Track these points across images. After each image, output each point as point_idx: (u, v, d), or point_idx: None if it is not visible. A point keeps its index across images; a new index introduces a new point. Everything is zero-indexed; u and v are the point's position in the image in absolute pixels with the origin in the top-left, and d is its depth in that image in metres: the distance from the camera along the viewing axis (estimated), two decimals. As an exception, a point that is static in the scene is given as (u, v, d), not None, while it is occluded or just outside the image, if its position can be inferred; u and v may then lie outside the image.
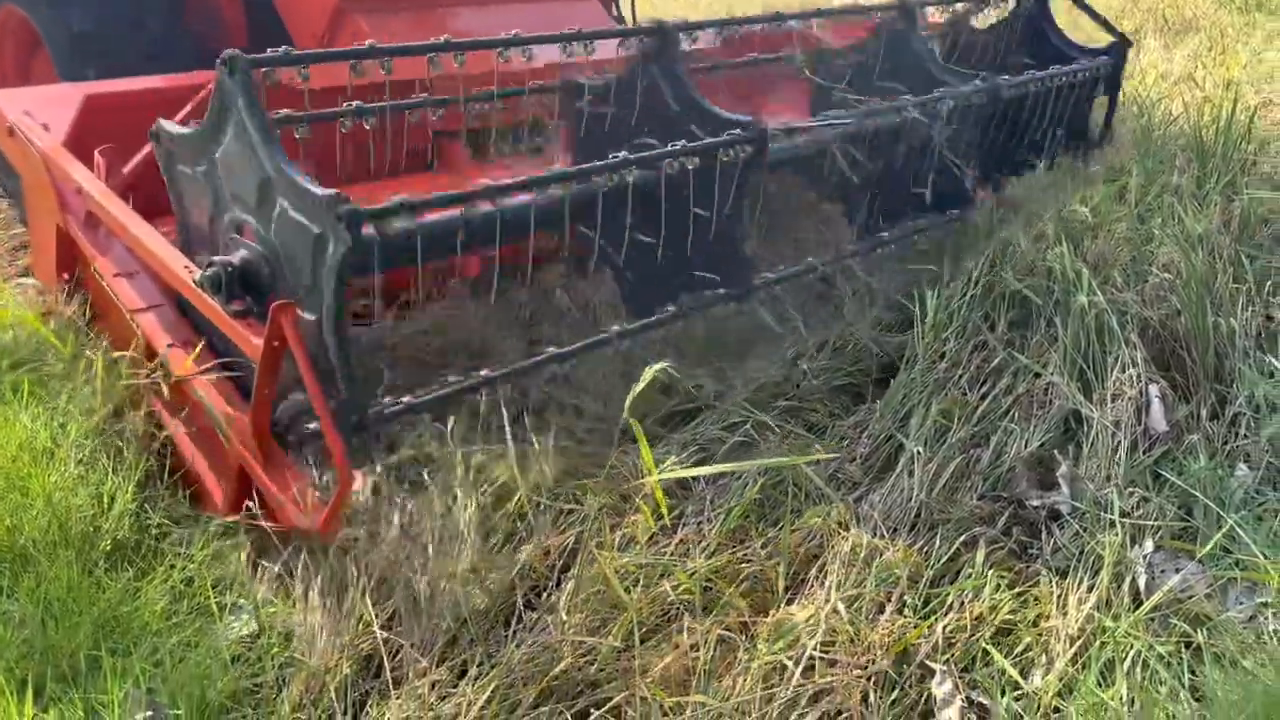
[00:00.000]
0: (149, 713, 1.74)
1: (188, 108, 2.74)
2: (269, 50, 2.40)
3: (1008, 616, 2.11)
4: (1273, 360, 2.80)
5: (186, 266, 2.36)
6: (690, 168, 2.69)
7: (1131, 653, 1.94)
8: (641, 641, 2.04)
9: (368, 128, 2.72)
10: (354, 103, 2.69)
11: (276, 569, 2.22)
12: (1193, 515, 2.38)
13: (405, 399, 2.30)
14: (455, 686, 2.04)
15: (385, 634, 2.08)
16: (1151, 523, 2.33)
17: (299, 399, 2.25)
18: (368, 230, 2.13)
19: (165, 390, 2.47)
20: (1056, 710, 1.88)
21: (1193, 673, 1.89)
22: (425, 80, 2.80)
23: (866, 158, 3.16)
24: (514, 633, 2.13)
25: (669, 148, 2.67)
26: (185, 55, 3.85)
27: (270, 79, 2.38)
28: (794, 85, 3.83)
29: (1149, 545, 2.24)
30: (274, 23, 3.92)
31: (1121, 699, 1.83)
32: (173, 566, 2.19)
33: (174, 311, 2.60)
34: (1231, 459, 2.56)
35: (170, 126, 2.49)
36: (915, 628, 2.06)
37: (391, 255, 2.25)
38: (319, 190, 2.10)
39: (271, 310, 2.07)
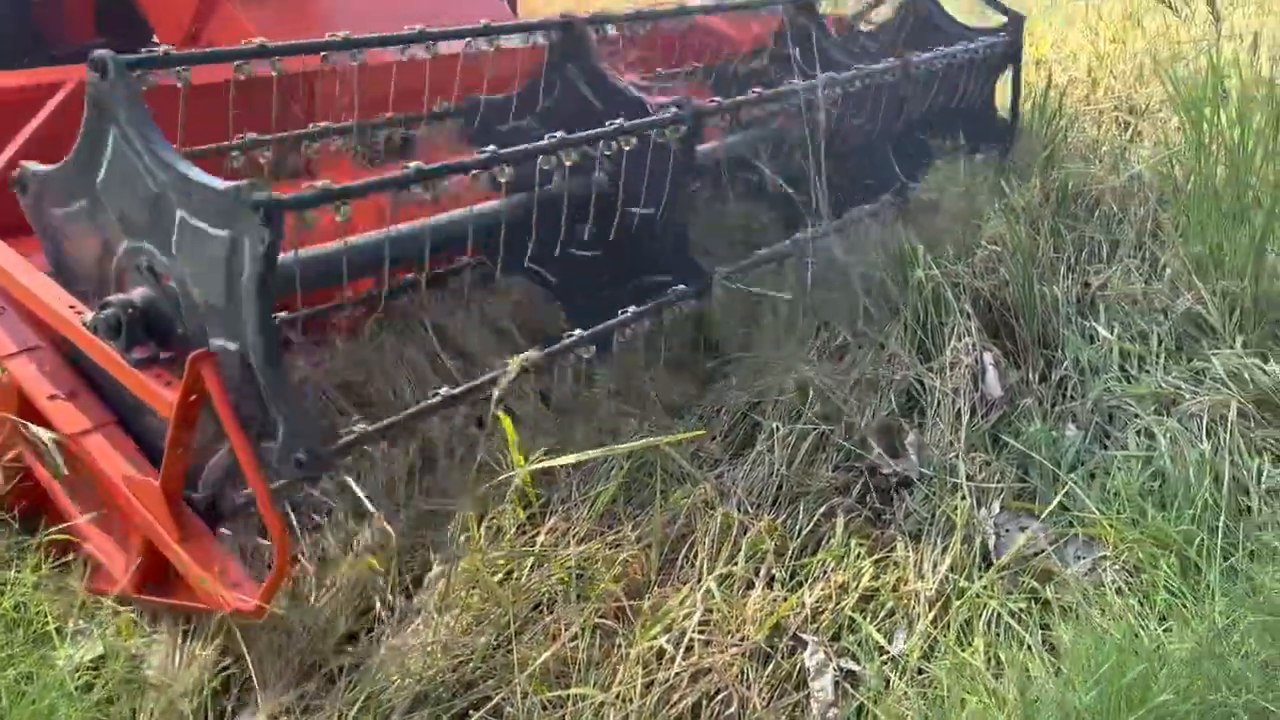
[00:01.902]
0: (-11, 758, 1.59)
1: (43, 113, 2.44)
2: (143, 50, 2.14)
3: (870, 583, 2.19)
4: (1093, 325, 2.99)
5: (73, 306, 2.06)
6: (626, 148, 2.54)
7: (987, 611, 2.04)
8: (516, 635, 2.01)
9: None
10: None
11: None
12: (1030, 476, 2.52)
13: (358, 425, 2.10)
14: (321, 699, 1.96)
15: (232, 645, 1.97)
16: (994, 485, 2.45)
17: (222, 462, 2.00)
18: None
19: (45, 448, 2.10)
20: (921, 671, 1.96)
21: (1045, 627, 2.00)
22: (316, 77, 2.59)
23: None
24: (377, 638, 2.07)
25: (605, 127, 2.50)
26: (30, 51, 3.50)
27: (146, 82, 2.08)
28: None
29: (995, 507, 2.36)
30: (124, 11, 3.47)
31: (981, 656, 1.93)
32: (1, 594, 2.02)
33: (55, 356, 2.22)
34: (1061, 420, 2.72)
35: (36, 167, 2.16)
36: (785, 601, 2.11)
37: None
38: (221, 184, 1.83)
39: (189, 360, 1.81)
